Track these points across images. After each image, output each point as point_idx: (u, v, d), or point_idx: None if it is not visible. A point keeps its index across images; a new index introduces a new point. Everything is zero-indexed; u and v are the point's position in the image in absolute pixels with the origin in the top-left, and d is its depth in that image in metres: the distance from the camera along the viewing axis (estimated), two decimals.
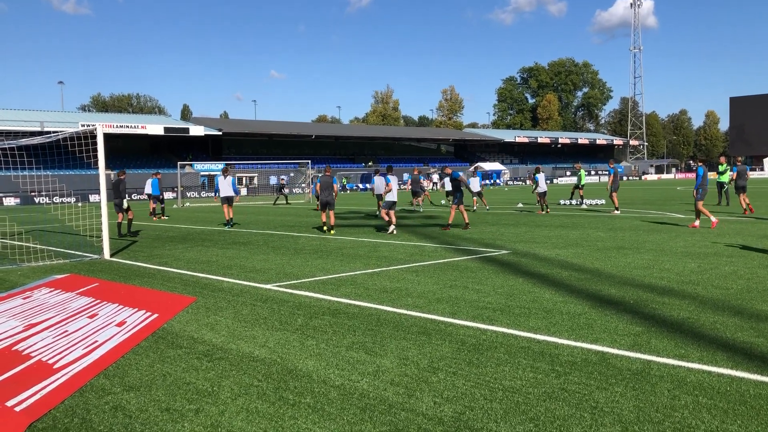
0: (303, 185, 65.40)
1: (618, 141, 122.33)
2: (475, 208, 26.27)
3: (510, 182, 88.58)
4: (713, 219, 16.48)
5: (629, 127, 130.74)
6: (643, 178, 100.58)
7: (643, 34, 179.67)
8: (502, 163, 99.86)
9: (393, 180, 17.59)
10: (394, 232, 16.86)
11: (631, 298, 7.83)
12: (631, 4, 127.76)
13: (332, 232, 17.24)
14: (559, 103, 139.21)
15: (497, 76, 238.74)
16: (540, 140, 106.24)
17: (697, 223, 16.71)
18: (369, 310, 7.54)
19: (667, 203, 28.70)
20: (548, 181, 27.81)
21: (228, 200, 21.22)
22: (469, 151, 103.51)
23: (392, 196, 17.47)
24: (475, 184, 26.89)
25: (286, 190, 42.80)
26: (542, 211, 24.25)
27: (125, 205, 18.17)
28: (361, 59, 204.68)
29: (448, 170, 18.80)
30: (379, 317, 7.13)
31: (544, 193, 24.49)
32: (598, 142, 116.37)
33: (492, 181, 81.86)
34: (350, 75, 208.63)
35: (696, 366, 5.11)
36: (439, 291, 8.59)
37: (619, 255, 11.72)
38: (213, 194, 24.08)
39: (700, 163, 17.33)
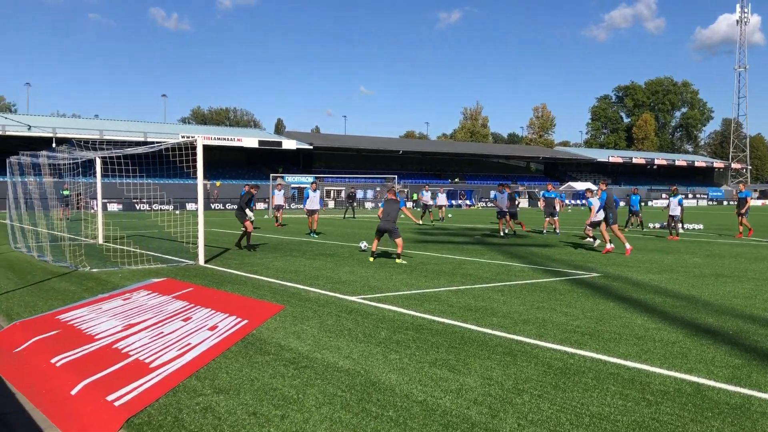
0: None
1: (719, 164, 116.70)
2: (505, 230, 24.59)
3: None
4: None
5: (731, 150, 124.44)
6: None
7: (749, 51, 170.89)
8: (594, 183, 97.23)
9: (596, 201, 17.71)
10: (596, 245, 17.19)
11: (731, 328, 7.43)
12: (737, 21, 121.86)
13: (399, 261, 14.20)
14: (655, 123, 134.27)
15: (591, 95, 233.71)
16: (635, 160, 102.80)
17: None
18: (453, 327, 7.50)
19: None
20: (643, 203, 26.54)
21: (312, 212, 22.71)
22: (560, 170, 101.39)
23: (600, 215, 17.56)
24: (427, 198, 28.06)
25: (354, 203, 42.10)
26: (672, 236, 22.26)
27: (248, 217, 17.18)
28: (450, 76, 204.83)
29: (603, 186, 18.15)
30: (463, 335, 7.08)
31: (676, 216, 22.53)
32: (696, 164, 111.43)
33: (582, 201, 79.73)
34: (439, 91, 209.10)
35: None
36: (526, 312, 8.44)
37: (718, 283, 11.15)
38: (302, 205, 24.92)
39: None
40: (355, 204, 41.12)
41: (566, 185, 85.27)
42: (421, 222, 18.92)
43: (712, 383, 5.31)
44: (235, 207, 17.84)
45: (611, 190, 22.43)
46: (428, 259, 14.98)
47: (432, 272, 12.51)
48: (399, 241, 14.42)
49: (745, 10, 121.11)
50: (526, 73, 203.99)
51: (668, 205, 22.63)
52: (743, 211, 22.55)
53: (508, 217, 23.24)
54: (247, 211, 17.16)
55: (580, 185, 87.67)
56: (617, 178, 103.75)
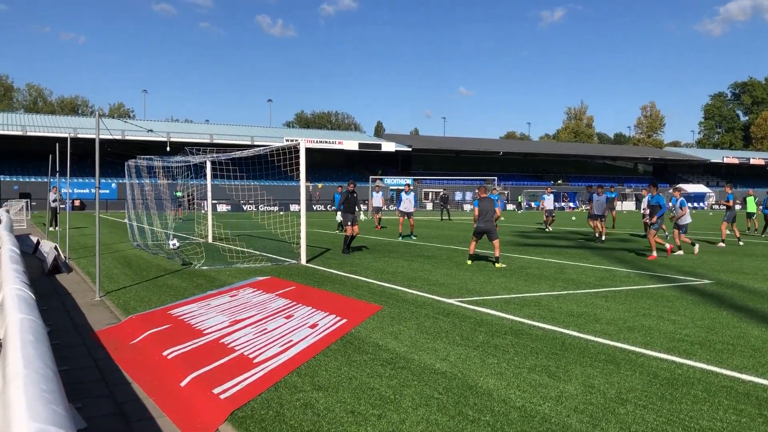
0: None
1: None
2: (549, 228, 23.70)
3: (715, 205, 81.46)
4: None
5: None
6: None
7: None
8: (707, 185, 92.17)
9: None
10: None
11: None
12: None
13: (498, 265, 13.69)
14: None
15: (704, 92, 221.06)
16: (752, 161, 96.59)
17: None
18: (553, 333, 7.32)
19: None
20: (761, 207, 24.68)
21: (406, 214, 22.66)
22: (670, 171, 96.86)
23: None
24: (549, 203, 26.84)
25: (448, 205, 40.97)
26: None
27: (356, 218, 16.90)
28: (553, 75, 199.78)
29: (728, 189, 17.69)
30: (563, 341, 6.90)
31: None
32: None
33: (696, 204, 75.79)
34: (541, 91, 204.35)
35: None
36: (631, 319, 8.12)
37: None
38: (396, 207, 24.81)
39: None
40: (448, 206, 40.80)
41: (676, 186, 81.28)
42: (550, 228, 18.42)
43: None
44: (341, 209, 16.89)
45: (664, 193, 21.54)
46: (528, 263, 14.71)
47: (532, 276, 12.28)
48: (497, 242, 14.05)
49: None
50: (634, 71, 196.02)
51: None
52: None
53: (602, 220, 21.91)
54: (361, 213, 16.58)
55: (691, 187, 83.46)
56: (733, 180, 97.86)
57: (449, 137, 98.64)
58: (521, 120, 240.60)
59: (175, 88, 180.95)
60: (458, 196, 73.89)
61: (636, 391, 5.17)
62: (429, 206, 72.20)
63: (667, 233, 21.76)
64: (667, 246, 16.51)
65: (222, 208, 58.92)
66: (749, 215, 26.98)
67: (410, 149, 76.84)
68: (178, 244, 14.64)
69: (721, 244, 19.76)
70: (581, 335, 7.17)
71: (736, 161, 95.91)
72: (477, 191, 14.87)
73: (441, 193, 42.95)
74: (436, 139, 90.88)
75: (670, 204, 18.03)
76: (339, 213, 16.72)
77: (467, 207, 68.65)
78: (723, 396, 5.05)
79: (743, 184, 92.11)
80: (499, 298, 9.66)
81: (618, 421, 4.50)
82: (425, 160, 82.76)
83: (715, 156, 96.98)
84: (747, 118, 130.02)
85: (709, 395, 5.06)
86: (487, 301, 9.38)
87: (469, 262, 14.46)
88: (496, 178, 55.80)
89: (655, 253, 15.85)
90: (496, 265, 13.79)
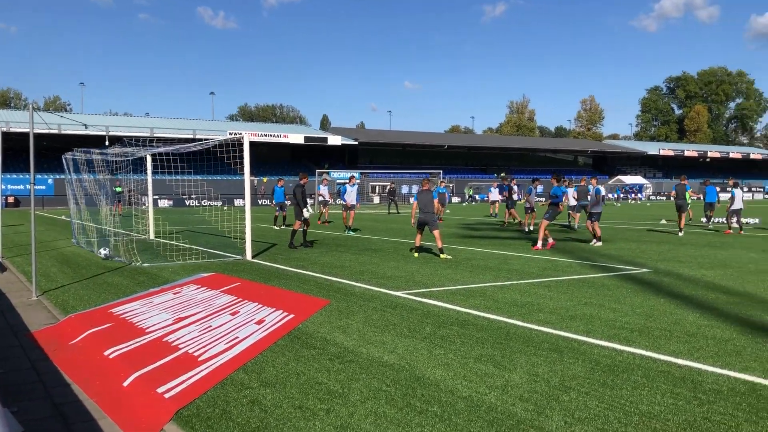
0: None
1: None
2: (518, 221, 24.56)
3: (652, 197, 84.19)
4: None
5: None
6: None
7: None
8: (645, 176, 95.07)
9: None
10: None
11: None
12: None
13: (443, 256, 13.95)
14: (708, 114, 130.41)
15: (640, 86, 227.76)
16: (687, 153, 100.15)
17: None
18: (498, 323, 7.44)
19: None
20: (696, 198, 25.66)
21: (349, 207, 22.76)
22: (609, 163, 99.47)
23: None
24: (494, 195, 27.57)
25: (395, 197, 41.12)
26: (730, 230, 21.81)
27: (306, 213, 16.60)
28: (496, 69, 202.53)
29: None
30: (508, 331, 7.02)
31: (739, 210, 22.01)
32: (752, 156, 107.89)
33: (633, 195, 78.05)
34: (484, 85, 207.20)
35: None
36: (573, 308, 8.32)
37: None
38: (340, 200, 24.49)
39: None
40: (396, 199, 40.89)
41: (615, 179, 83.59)
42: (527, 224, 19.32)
43: (767, 382, 5.15)
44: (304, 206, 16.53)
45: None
46: (474, 254, 14.89)
47: (477, 267, 12.44)
48: (437, 233, 14.25)
49: None
50: (574, 65, 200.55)
51: (732, 199, 21.86)
52: None
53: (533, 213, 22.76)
54: (304, 209, 16.49)
55: (629, 179, 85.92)
56: (668, 172, 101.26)
57: (395, 131, 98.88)
58: (465, 114, 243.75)
59: (113, 80, 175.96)
60: (404, 189, 74.20)
61: (579, 378, 5.30)
62: (376, 200, 72.34)
63: (575, 224, 22.59)
64: (550, 241, 16.56)
65: (164, 203, 57.70)
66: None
67: (357, 143, 76.70)
68: (108, 253, 14.16)
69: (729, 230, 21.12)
70: (525, 324, 7.31)
71: (672, 153, 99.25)
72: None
73: (389, 187, 42.83)
74: (382, 133, 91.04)
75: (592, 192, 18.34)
76: (306, 209, 16.46)
77: (412, 200, 69.07)
78: (661, 381, 5.22)
79: (678, 175, 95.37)
80: (446, 290, 9.75)
81: (562, 408, 4.60)
82: (372, 154, 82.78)
83: (652, 148, 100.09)
84: (681, 111, 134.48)
85: (648, 380, 5.23)
86: (434, 293, 9.45)
87: (416, 254, 14.55)
88: (441, 171, 56.26)
89: (539, 244, 16.12)
90: (441, 256, 13.98)
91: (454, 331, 7.02)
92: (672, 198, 27.60)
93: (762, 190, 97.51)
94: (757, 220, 27.58)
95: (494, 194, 34.02)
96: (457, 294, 9.39)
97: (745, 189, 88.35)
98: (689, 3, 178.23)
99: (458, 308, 8.29)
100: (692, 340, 6.54)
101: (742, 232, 21.63)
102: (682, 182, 21.07)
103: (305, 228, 16.98)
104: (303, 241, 16.90)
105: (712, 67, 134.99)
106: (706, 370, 5.49)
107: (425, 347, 6.31)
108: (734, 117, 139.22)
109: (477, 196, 74.22)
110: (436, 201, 14.98)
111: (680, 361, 5.77)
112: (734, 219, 22.21)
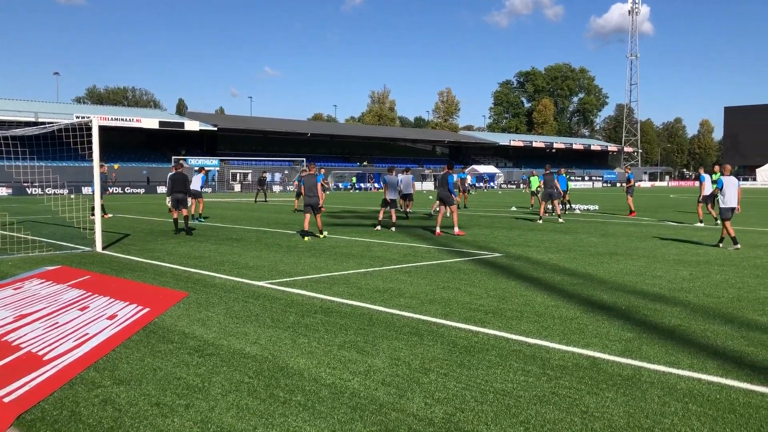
0: (291, 185, 64.78)
1: (612, 147, 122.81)
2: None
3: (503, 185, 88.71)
4: None
5: (624, 134, 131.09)
6: (636, 185, 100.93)
7: (639, 40, 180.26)
8: (497, 166, 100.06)
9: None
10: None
11: (623, 304, 7.85)
12: (629, 12, 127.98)
13: (323, 235, 15.75)
14: (554, 107, 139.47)
15: (493, 79, 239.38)
16: (535, 144, 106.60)
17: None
18: (361, 309, 7.54)
19: (660, 211, 28.79)
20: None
21: (195, 195, 21.64)
22: (465, 153, 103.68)
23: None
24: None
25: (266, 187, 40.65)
26: (545, 214, 23.26)
27: (190, 201, 16.25)
28: (357, 58, 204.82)
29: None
30: (371, 317, 7.13)
31: (561, 193, 23.91)
32: (592, 147, 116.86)
33: (485, 183, 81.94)
34: (346, 74, 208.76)
35: (686, 373, 5.12)
36: (432, 292, 8.60)
37: (612, 261, 11.75)
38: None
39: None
40: (265, 188, 40.29)
41: (470, 168, 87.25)
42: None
43: (606, 356, 5.60)
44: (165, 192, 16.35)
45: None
46: (338, 242, 14.98)
47: (341, 255, 12.52)
48: (318, 216, 15.65)
49: (636, 1, 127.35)
50: (432, 58, 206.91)
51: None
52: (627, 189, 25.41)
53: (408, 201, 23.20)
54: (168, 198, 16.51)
55: (483, 168, 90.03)
56: (518, 162, 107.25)
57: (257, 117, 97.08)
58: (328, 102, 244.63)
59: None
60: (268, 177, 73.14)
61: (438, 360, 5.49)
62: (237, 188, 70.73)
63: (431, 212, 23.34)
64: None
65: (1, 191, 53.16)
66: (533, 193, 29.81)
67: (216, 128, 74.51)
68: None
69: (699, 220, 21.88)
70: (387, 310, 7.46)
71: (521, 144, 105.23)
72: (305, 169, 16.22)
73: (260, 176, 42.40)
74: (243, 119, 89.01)
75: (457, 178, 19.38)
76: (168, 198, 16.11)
77: (276, 188, 68.18)
78: (513, 359, 5.52)
79: (527, 165, 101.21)
80: (309, 278, 9.73)
81: (422, 390, 4.74)
82: (232, 141, 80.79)
83: (504, 139, 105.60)
84: (530, 104, 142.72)
85: (502, 359, 5.51)
86: (297, 282, 9.41)
87: (306, 239, 15.30)
88: (305, 159, 55.99)
89: (438, 229, 17.02)
90: (320, 235, 15.63)
91: (318, 319, 7.03)
92: (524, 188, 29.24)
93: (601, 178, 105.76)
94: (596, 207, 29.85)
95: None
96: (321, 282, 9.40)
97: (587, 178, 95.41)
98: (537, 1, 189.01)
99: (322, 296, 8.30)
100: (541, 320, 6.97)
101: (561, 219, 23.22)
102: (547, 172, 22.34)
103: (183, 218, 16.97)
104: (175, 228, 17.12)
105: (558, 64, 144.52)
106: (553, 348, 5.87)
107: (289, 337, 6.27)
108: (577, 111, 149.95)
109: (340, 185, 74.70)
110: (319, 185, 15.87)
111: (530, 340, 6.13)
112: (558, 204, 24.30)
